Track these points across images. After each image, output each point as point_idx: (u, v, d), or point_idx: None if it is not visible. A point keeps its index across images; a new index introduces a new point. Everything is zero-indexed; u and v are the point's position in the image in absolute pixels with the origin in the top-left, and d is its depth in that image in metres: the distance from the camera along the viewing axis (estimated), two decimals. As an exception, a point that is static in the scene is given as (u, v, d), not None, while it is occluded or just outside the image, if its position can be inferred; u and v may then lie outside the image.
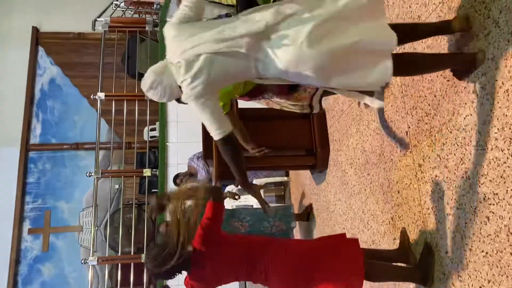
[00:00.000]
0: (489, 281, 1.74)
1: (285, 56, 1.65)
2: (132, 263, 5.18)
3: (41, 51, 7.28)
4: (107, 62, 6.22)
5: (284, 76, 1.74)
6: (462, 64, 1.87)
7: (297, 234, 4.34)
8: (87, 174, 5.28)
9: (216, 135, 1.76)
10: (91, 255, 5.00)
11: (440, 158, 2.08)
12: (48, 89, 7.22)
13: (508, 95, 1.65)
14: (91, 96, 5.52)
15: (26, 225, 6.44)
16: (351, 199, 3.16)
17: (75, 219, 6.55)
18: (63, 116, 7.08)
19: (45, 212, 6.55)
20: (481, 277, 1.78)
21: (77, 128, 7.03)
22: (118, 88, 5.91)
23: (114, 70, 5.96)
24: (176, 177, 4.78)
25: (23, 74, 7.02)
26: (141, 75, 6.25)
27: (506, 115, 1.65)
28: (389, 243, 2.58)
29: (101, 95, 5.29)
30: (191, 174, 4.64)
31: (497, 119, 1.70)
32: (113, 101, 5.52)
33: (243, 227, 3.79)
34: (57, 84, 7.26)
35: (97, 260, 4.91)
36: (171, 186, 5.60)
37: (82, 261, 5.07)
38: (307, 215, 4.11)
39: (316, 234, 3.98)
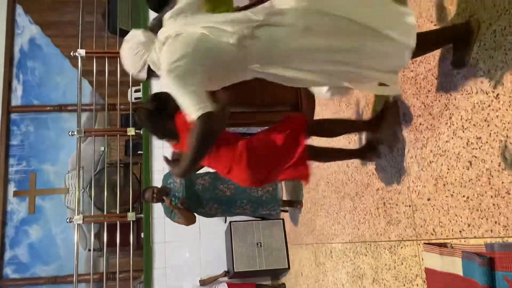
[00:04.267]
0: (469, 225, 1.75)
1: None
2: (118, 223, 5.17)
3: (19, 9, 6.99)
4: (88, 21, 6.00)
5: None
6: (459, 36, 1.74)
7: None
8: (70, 133, 5.19)
9: (196, 111, 1.55)
10: (76, 214, 4.98)
11: (425, 106, 2.05)
12: (28, 49, 6.99)
13: (495, 36, 1.60)
14: (71, 53, 5.35)
15: (11, 188, 6.38)
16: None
17: (61, 181, 6.49)
18: (45, 77, 6.89)
19: (30, 175, 6.48)
20: (461, 221, 1.79)
21: (60, 89, 6.85)
22: (99, 47, 5.74)
23: (94, 28, 5.77)
24: None
25: (1, 33, 6.77)
26: (122, 31, 6.12)
27: (492, 57, 1.61)
28: (372, 194, 2.58)
29: (81, 51, 5.12)
30: None
31: (483, 61, 1.66)
32: (94, 59, 5.35)
33: (228, 189, 3.77)
34: (37, 44, 7.02)
35: (83, 219, 4.89)
36: (156, 148, 5.55)
37: (68, 220, 5.05)
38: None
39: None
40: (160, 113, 2.13)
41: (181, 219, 3.69)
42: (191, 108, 1.56)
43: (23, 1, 6.95)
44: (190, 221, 3.72)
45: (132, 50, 1.72)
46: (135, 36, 1.75)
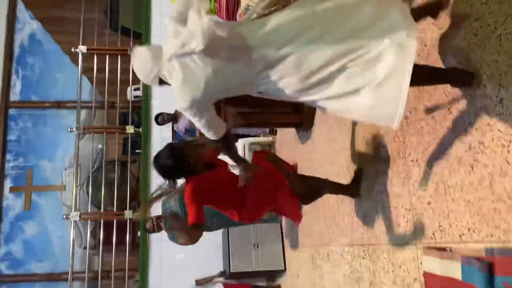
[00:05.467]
0: (469, 229, 1.74)
1: None
2: (115, 221, 5.15)
3: (20, 4, 6.97)
4: (90, 17, 6.00)
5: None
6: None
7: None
8: (69, 130, 5.18)
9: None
10: (73, 211, 4.95)
11: (427, 109, 2.04)
12: (28, 45, 6.96)
13: (500, 40, 1.60)
14: (72, 49, 5.33)
15: (8, 183, 6.34)
16: (336, 155, 3.14)
17: (57, 178, 6.46)
18: (44, 73, 6.86)
19: (27, 171, 6.44)
20: (462, 225, 1.78)
21: (59, 86, 6.82)
22: (100, 45, 5.74)
23: (96, 25, 5.76)
24: (158, 115, 4.77)
25: (1, 28, 6.75)
26: (124, 29, 6.12)
27: (497, 61, 1.61)
28: (372, 197, 2.58)
29: (82, 48, 5.11)
30: (175, 117, 4.59)
31: (487, 65, 1.66)
32: (95, 55, 5.34)
33: None
34: (38, 40, 6.99)
35: (79, 216, 4.86)
36: (154, 146, 5.52)
37: (64, 217, 5.03)
38: None
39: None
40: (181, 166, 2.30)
41: (184, 239, 3.60)
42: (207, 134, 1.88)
43: (24, -4, 6.94)
44: (194, 237, 3.63)
45: (142, 65, 1.79)
46: (142, 53, 1.80)
